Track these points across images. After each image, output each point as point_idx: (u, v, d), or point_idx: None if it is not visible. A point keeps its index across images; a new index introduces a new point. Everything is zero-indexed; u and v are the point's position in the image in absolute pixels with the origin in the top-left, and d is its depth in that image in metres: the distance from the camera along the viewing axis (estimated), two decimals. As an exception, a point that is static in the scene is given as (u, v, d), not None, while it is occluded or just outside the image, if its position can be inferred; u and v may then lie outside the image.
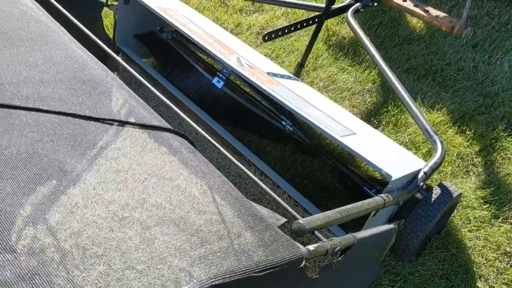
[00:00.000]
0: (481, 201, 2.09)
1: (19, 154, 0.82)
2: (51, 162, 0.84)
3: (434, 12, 2.51)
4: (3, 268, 0.73)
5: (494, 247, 1.95)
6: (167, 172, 1.01)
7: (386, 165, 1.53)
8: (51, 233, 0.82)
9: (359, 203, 1.29)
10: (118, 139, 1.03)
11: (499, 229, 2.00)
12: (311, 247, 0.90)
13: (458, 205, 2.07)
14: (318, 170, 2.14)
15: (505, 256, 1.93)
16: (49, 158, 0.84)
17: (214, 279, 0.63)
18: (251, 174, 1.16)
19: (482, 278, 1.87)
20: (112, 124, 1.02)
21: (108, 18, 2.94)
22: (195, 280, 0.63)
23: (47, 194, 0.83)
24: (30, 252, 0.77)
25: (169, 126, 1.10)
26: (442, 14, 2.49)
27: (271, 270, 0.73)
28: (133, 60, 2.49)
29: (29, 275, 0.74)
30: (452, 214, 2.03)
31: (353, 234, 1.12)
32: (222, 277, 0.64)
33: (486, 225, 2.02)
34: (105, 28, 2.65)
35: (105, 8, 2.50)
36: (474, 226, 2.01)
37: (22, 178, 0.82)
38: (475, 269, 1.89)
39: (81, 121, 0.99)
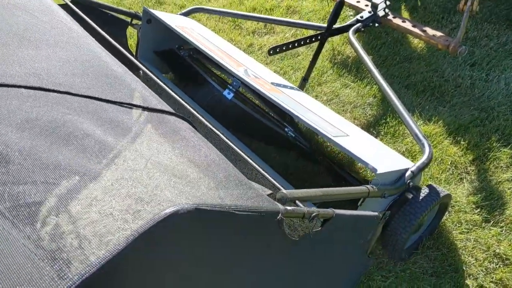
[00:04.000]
0: (473, 206, 2.21)
1: (50, 122, 1.03)
2: (77, 129, 1.04)
3: (431, 31, 2.70)
4: (25, 250, 0.82)
5: (484, 248, 2.05)
6: (179, 171, 1.19)
7: (373, 160, 1.68)
8: (72, 222, 0.98)
9: (344, 188, 1.45)
10: (136, 127, 1.22)
11: (489, 232, 2.10)
12: (289, 207, 1.07)
13: (451, 209, 2.19)
14: (317, 174, 2.30)
15: (495, 257, 2.02)
16: (75, 125, 1.04)
17: (198, 205, 0.79)
18: (242, 153, 1.34)
19: (471, 276, 1.97)
20: (128, 107, 1.23)
21: (132, 39, 3.21)
22: (185, 201, 0.80)
23: (69, 186, 1.00)
24: (51, 237, 0.93)
25: (174, 112, 1.30)
26: (438, 34, 2.68)
27: (250, 213, 0.90)
28: (153, 74, 2.73)
29: (50, 257, 0.81)
30: (444, 217, 2.15)
31: (333, 209, 1.28)
32: (205, 206, 0.81)
33: (477, 228, 2.13)
34: (129, 47, 2.92)
35: (130, 28, 2.78)
36: (465, 228, 2.12)
37: (52, 145, 1.01)
38: (464, 268, 1.99)
39: (103, 103, 1.20)
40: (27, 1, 1.60)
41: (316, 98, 2.76)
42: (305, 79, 2.59)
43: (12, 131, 0.93)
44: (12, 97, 1.06)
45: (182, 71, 2.85)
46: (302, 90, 2.60)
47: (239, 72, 2.17)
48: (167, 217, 0.75)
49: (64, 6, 2.07)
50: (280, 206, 1.04)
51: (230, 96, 2.57)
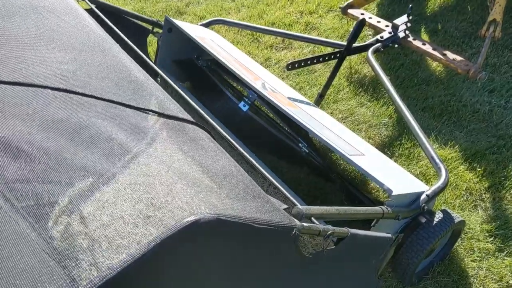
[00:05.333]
0: (487, 234, 2.17)
1: (76, 124, 1.04)
2: (100, 132, 1.04)
3: (451, 55, 2.69)
4: (36, 248, 0.83)
5: (497, 278, 2.01)
6: (198, 180, 1.17)
7: (388, 182, 1.67)
8: (83, 223, 0.98)
9: (358, 207, 1.44)
10: (157, 134, 1.22)
11: (503, 262, 2.06)
12: (305, 223, 1.06)
13: (463, 236, 2.15)
14: (330, 192, 2.29)
15: (507, 288, 1.98)
16: (99, 129, 1.05)
17: (219, 215, 0.79)
18: (258, 166, 1.34)
19: (482, 306, 1.93)
20: (149, 114, 1.23)
21: (151, 46, 3.24)
22: (206, 211, 0.79)
23: (84, 188, 1.01)
24: (63, 237, 0.94)
25: (194, 121, 1.30)
26: (459, 58, 2.67)
27: (266, 227, 0.89)
28: (171, 82, 2.75)
29: (60, 257, 0.83)
30: (457, 244, 2.11)
31: (348, 228, 1.26)
32: (226, 216, 0.80)
33: (490, 257, 2.08)
34: (148, 55, 2.94)
35: (150, 36, 2.81)
36: (477, 256, 2.08)
37: (75, 146, 1.02)
38: (475, 297, 1.95)
39: (125, 108, 1.20)
40: (56, 4, 1.63)
41: (331, 115, 2.76)
42: (321, 96, 2.59)
43: (38, 131, 0.94)
44: (38, 97, 1.07)
45: (199, 80, 2.86)
46: (318, 106, 2.60)
47: (257, 85, 2.18)
48: (188, 225, 0.74)
49: (90, 11, 2.10)
50: (297, 222, 1.03)
51: (245, 108, 2.58)
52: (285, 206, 1.18)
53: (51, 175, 0.94)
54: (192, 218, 0.75)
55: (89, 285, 0.73)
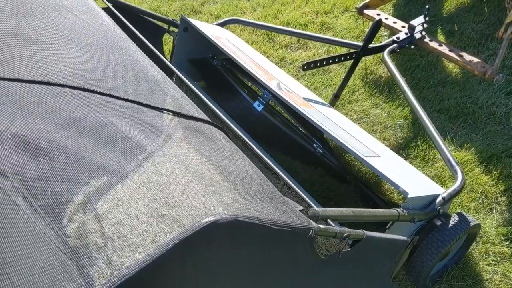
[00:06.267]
0: (502, 238, 2.14)
1: (94, 122, 1.05)
2: (117, 131, 1.05)
3: (468, 57, 2.66)
4: (53, 246, 0.84)
5: (512, 283, 1.98)
6: (207, 179, 1.18)
7: (404, 184, 1.65)
8: (98, 221, 0.98)
9: (375, 209, 1.43)
10: (173, 133, 1.22)
11: (519, 267, 2.03)
12: (321, 225, 1.05)
13: (479, 239, 2.13)
14: (344, 193, 2.27)
15: (523, 294, 1.95)
16: (117, 128, 1.05)
17: (237, 216, 0.79)
18: (274, 166, 1.34)
19: (497, 311, 1.90)
20: (165, 113, 1.24)
21: (166, 45, 3.26)
22: (223, 211, 0.79)
23: (99, 186, 1.01)
24: (80, 235, 0.92)
25: (210, 121, 1.31)
26: (475, 60, 2.63)
27: (283, 228, 0.89)
28: (186, 81, 2.76)
29: (77, 256, 0.84)
30: (472, 247, 2.08)
31: (363, 230, 1.25)
32: (244, 218, 0.80)
33: (505, 261, 2.05)
34: (164, 53, 2.96)
35: (166, 35, 2.82)
36: (492, 260, 2.06)
37: (93, 145, 1.03)
38: (490, 302, 1.92)
39: (142, 107, 1.21)
40: (74, 3, 1.65)
41: (346, 116, 2.74)
42: (336, 96, 2.58)
43: (57, 130, 0.95)
44: (57, 95, 1.08)
45: (214, 80, 2.87)
46: (333, 107, 2.59)
47: (272, 85, 2.17)
48: (206, 226, 0.74)
49: (106, 10, 2.12)
50: (313, 224, 1.02)
51: (260, 108, 2.58)
52: (301, 208, 1.18)
53: (70, 173, 0.94)
54: (210, 219, 0.75)
55: (107, 285, 0.74)
